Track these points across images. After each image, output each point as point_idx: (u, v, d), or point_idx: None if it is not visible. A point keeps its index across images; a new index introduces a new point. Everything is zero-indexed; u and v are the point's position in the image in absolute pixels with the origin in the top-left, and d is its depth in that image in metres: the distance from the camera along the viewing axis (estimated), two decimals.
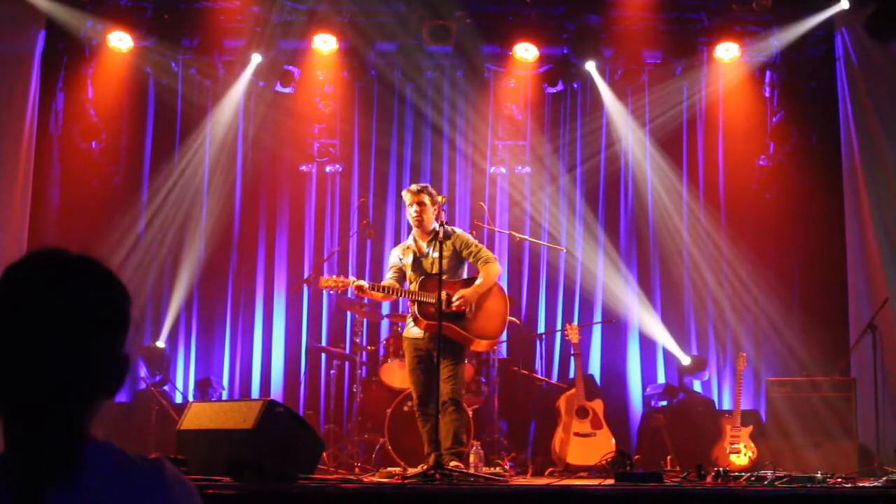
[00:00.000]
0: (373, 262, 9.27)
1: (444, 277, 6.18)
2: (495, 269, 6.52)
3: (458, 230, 6.64)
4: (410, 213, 6.52)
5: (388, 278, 6.60)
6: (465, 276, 6.57)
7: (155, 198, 9.32)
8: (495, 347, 7.48)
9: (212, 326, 9.40)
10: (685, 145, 9.72)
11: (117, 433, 7.42)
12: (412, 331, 6.43)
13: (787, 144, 9.40)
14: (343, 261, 9.36)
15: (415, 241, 6.59)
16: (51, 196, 9.15)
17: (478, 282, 6.41)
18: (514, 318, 7.42)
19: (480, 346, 6.61)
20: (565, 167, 9.67)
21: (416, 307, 6.29)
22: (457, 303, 6.27)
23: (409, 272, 6.50)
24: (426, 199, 6.50)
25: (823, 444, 7.53)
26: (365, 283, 6.37)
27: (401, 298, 7.15)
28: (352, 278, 6.46)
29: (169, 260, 9.30)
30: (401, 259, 6.59)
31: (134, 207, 9.27)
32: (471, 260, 6.52)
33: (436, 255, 6.28)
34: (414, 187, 6.59)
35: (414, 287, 6.36)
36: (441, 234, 6.18)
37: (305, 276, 9.00)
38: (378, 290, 6.43)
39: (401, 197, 9.60)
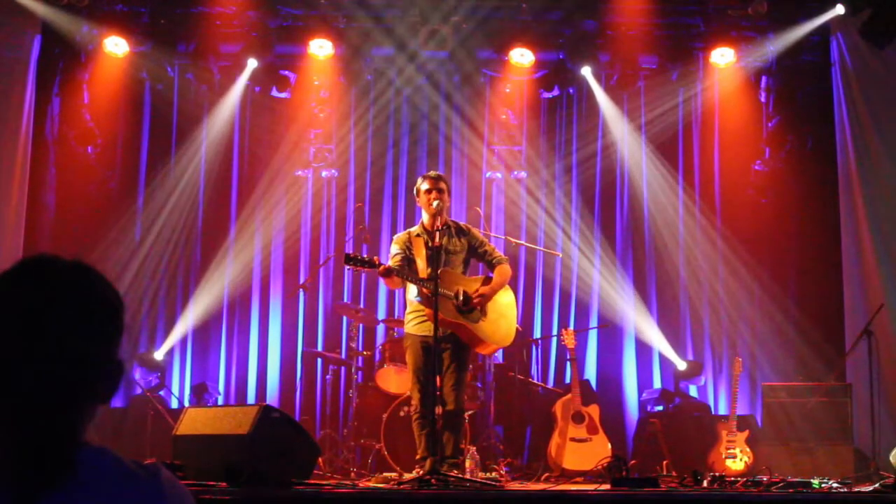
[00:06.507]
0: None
1: (458, 271, 6.14)
2: (509, 271, 6.34)
3: (471, 227, 6.46)
4: (428, 200, 6.14)
5: (392, 265, 6.05)
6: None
7: (150, 203, 9.32)
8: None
9: (207, 331, 9.38)
10: (681, 150, 9.73)
11: (113, 439, 7.41)
12: (420, 326, 6.05)
13: (782, 149, 9.42)
14: (339, 266, 9.35)
15: (425, 231, 6.18)
16: (46, 201, 9.14)
17: (494, 281, 6.22)
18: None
19: (487, 349, 6.47)
20: (561, 172, 9.68)
21: (429, 301, 5.80)
22: (476, 300, 6.03)
23: (420, 263, 6.06)
24: (444, 186, 6.20)
25: (819, 449, 7.54)
26: (392, 267, 5.92)
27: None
28: (376, 258, 5.98)
29: (164, 265, 9.28)
30: (408, 248, 6.17)
31: (129, 212, 9.26)
32: (485, 259, 6.33)
33: (451, 248, 6.15)
34: (432, 174, 6.27)
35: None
36: (454, 229, 6.12)
37: (301, 281, 8.99)
38: (402, 276, 5.97)
39: (396, 202, 9.74)
